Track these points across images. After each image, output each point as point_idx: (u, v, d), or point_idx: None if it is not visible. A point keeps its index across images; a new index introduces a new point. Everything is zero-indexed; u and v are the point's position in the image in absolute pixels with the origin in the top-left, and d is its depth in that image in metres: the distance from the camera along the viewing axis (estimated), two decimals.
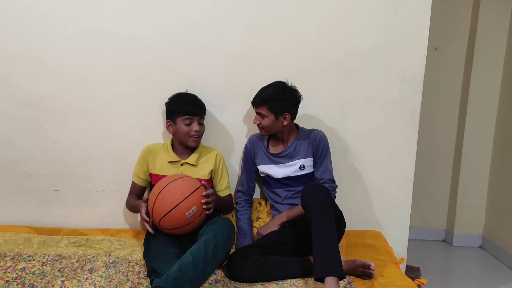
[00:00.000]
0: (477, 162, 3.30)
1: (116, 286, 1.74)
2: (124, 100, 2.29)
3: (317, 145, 2.14)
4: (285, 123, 2.10)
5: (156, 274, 1.73)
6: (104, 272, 1.84)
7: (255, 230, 2.21)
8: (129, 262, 1.96)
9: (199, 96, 2.18)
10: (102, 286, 1.72)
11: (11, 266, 1.87)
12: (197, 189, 1.91)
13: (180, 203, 1.85)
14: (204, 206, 1.91)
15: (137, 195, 2.21)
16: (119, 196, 2.35)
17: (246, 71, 2.29)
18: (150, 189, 2.15)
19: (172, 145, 2.19)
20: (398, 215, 2.44)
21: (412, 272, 2.76)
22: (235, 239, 2.16)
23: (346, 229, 2.07)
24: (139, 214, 2.15)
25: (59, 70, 2.26)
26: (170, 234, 1.94)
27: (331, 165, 2.16)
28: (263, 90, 2.09)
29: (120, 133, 2.32)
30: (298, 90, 2.14)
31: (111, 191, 2.36)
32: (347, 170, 2.38)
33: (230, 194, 2.26)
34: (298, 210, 2.07)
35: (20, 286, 1.71)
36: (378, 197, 2.42)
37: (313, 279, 1.74)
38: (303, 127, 2.23)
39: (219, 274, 1.90)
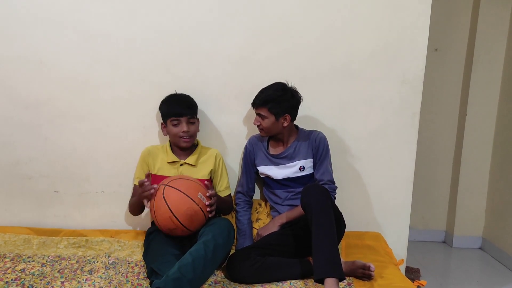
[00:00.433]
0: (477, 164, 3.30)
1: (116, 287, 1.73)
2: (123, 102, 2.29)
3: (317, 146, 2.14)
4: (285, 124, 2.11)
5: (156, 275, 1.73)
6: (103, 273, 1.84)
7: (255, 231, 2.21)
8: (128, 263, 1.96)
9: (198, 98, 2.18)
10: (102, 287, 1.72)
11: (10, 267, 1.87)
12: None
13: (191, 190, 1.91)
14: (208, 209, 1.91)
15: None
16: (118, 197, 2.35)
17: (246, 73, 2.30)
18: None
19: (171, 146, 2.19)
20: (398, 217, 2.44)
21: (412, 273, 2.76)
22: (235, 240, 2.16)
23: (346, 230, 2.07)
24: (142, 214, 2.16)
25: (58, 72, 2.26)
26: (171, 230, 1.91)
27: (331, 166, 2.16)
28: (263, 91, 2.10)
29: (120, 134, 2.32)
30: (298, 91, 2.14)
31: (111, 192, 2.36)
32: (347, 171, 2.38)
33: (230, 194, 2.26)
34: (298, 211, 2.07)
35: (19, 287, 1.71)
36: (378, 198, 2.42)
37: (312, 280, 1.74)
38: (303, 128, 2.23)
39: (218, 275, 1.90)
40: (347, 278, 1.85)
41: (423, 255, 3.18)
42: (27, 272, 1.83)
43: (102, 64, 2.26)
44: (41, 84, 2.26)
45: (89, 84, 2.27)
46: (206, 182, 1.98)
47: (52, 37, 2.23)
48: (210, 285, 1.79)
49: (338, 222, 1.88)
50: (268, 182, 2.24)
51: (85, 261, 1.97)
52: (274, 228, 2.12)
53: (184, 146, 2.13)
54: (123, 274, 1.85)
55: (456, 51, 3.29)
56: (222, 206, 2.13)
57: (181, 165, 2.14)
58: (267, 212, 2.30)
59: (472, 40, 3.20)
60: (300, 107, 2.16)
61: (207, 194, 1.92)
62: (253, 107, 2.14)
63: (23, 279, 1.77)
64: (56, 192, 2.36)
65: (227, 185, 2.23)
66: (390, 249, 2.26)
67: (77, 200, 2.37)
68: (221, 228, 1.87)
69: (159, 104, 2.17)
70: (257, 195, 2.39)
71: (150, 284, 1.74)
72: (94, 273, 1.85)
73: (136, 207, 2.14)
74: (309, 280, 1.82)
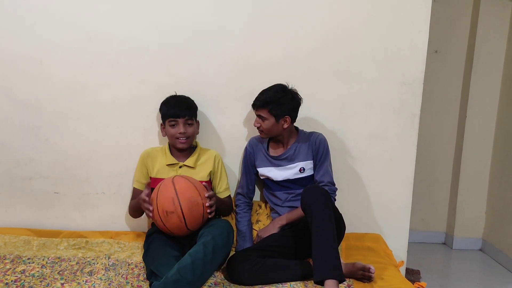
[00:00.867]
0: (477, 165, 3.30)
1: None
2: (124, 103, 2.29)
3: (317, 148, 2.14)
4: (285, 126, 2.11)
5: (155, 276, 1.73)
6: (103, 274, 1.84)
7: (254, 233, 2.21)
8: (128, 265, 1.96)
9: (198, 99, 2.18)
10: None
11: (10, 268, 1.87)
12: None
13: (199, 185, 1.96)
14: (208, 210, 1.91)
15: None
16: (118, 198, 2.35)
17: (246, 74, 2.30)
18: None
19: (170, 148, 2.19)
20: (398, 218, 2.44)
21: (412, 275, 2.76)
22: (235, 242, 2.15)
23: (346, 232, 2.07)
24: (142, 216, 2.16)
25: (59, 73, 2.26)
26: (167, 214, 1.87)
27: (331, 168, 2.16)
28: (264, 92, 2.10)
29: (120, 136, 2.32)
30: (299, 93, 2.14)
31: (111, 194, 2.36)
32: (347, 173, 2.38)
33: (230, 196, 2.26)
34: (298, 213, 2.07)
35: None
36: (378, 200, 2.42)
37: (312, 282, 1.74)
38: (303, 130, 2.23)
39: (218, 276, 1.90)
40: (347, 280, 1.84)
41: (423, 257, 3.17)
42: (27, 274, 1.83)
43: (102, 65, 2.26)
44: (41, 85, 2.27)
45: (89, 85, 2.28)
46: (204, 183, 1.99)
47: (53, 38, 2.23)
48: (209, 286, 1.79)
49: (338, 223, 1.88)
50: (268, 184, 2.24)
51: (85, 262, 1.97)
52: (274, 229, 2.11)
53: (180, 147, 2.13)
54: (123, 276, 1.85)
55: (456, 53, 3.30)
56: (221, 207, 2.13)
57: (180, 167, 2.14)
58: (267, 214, 2.30)
59: (472, 42, 3.21)
60: (300, 109, 2.16)
61: (206, 195, 1.92)
62: (253, 109, 2.14)
63: (23, 281, 1.77)
64: (56, 193, 2.36)
65: (227, 186, 2.23)
66: (390, 251, 2.26)
67: (77, 201, 2.37)
68: (220, 230, 1.87)
69: (159, 105, 2.18)
70: (257, 196, 2.39)
71: (150, 285, 1.74)
72: (94, 274, 1.85)
73: (135, 211, 2.15)
74: (309, 281, 1.82)
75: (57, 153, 2.32)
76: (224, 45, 2.27)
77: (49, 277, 1.82)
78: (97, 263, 1.95)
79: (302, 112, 2.19)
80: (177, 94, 2.21)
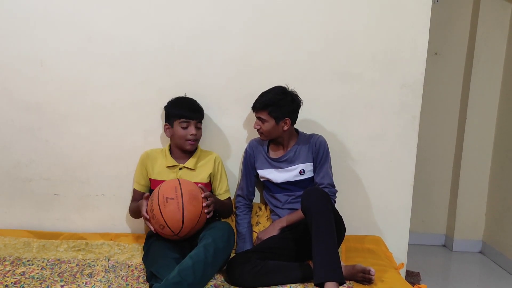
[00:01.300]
0: (477, 167, 3.30)
1: None
2: (124, 104, 2.29)
3: (317, 150, 2.14)
4: (285, 128, 2.11)
5: (155, 278, 1.73)
6: (103, 276, 1.84)
7: (254, 235, 2.21)
8: (128, 267, 1.96)
9: (199, 101, 2.18)
10: None
11: (10, 270, 1.87)
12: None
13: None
14: (205, 210, 1.91)
15: None
16: (119, 200, 2.35)
17: (246, 76, 2.30)
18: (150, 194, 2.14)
19: (170, 150, 2.19)
20: (398, 220, 2.44)
21: (412, 277, 2.76)
22: (235, 244, 2.15)
23: (346, 234, 2.06)
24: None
25: (59, 74, 2.26)
26: (166, 201, 1.86)
27: (331, 170, 2.16)
28: (264, 95, 2.10)
29: (120, 137, 2.32)
30: (299, 95, 2.14)
31: (111, 195, 2.36)
32: (347, 175, 2.38)
33: (230, 197, 2.26)
34: (298, 215, 2.06)
35: None
36: (378, 202, 2.42)
37: (313, 284, 1.74)
38: (303, 132, 2.23)
39: (218, 279, 1.89)
40: (347, 282, 1.84)
41: (423, 259, 3.17)
42: (27, 276, 1.83)
43: (103, 66, 2.26)
44: (42, 86, 2.27)
45: (90, 87, 2.28)
46: (200, 185, 1.99)
47: (53, 39, 2.23)
48: None
49: (338, 225, 1.88)
50: (268, 186, 2.24)
51: (85, 264, 1.97)
52: (274, 231, 2.11)
53: (189, 149, 2.13)
54: (123, 278, 1.85)
55: (456, 55, 3.30)
56: (221, 209, 2.13)
57: (180, 169, 2.14)
58: (267, 216, 2.30)
59: (472, 43, 3.21)
60: (300, 111, 2.16)
61: (202, 195, 1.92)
62: (253, 111, 2.14)
63: (22, 283, 1.77)
64: (56, 195, 2.36)
65: (227, 188, 2.23)
66: (390, 253, 2.26)
67: (77, 203, 2.36)
68: (221, 232, 1.87)
69: (163, 106, 2.18)
70: (257, 198, 2.39)
71: (150, 287, 1.74)
72: (94, 276, 1.84)
73: (135, 213, 2.15)
74: (309, 284, 1.82)
75: (57, 155, 2.32)
76: (224, 46, 2.27)
77: (48, 279, 1.81)
78: (97, 265, 1.95)
79: (302, 114, 2.19)
80: (183, 96, 2.21)
